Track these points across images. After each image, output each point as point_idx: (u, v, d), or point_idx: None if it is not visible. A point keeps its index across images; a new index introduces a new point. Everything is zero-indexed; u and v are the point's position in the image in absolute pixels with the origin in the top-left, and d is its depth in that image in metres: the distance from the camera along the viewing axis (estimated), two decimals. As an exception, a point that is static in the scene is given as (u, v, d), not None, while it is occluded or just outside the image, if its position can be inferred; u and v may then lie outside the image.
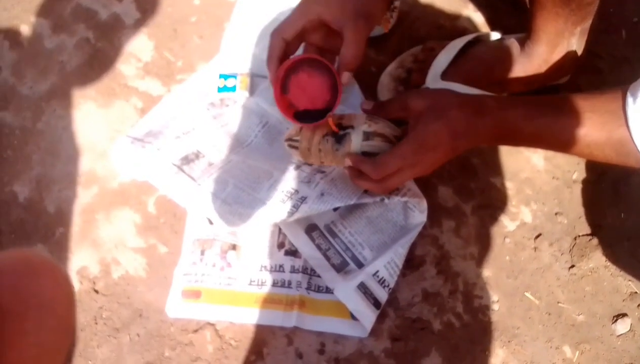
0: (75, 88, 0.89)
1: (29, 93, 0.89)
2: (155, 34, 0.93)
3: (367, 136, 0.65)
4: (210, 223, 0.74)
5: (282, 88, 0.62)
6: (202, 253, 0.75)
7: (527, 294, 0.77)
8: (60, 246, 0.80)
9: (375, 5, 0.62)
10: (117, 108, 0.87)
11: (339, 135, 0.66)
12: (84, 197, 0.82)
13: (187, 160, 0.76)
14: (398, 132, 0.67)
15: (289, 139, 0.70)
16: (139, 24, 0.94)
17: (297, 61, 0.61)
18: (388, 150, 0.64)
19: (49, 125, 0.86)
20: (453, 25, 0.95)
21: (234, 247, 0.75)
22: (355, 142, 0.65)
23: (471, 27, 0.95)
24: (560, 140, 0.61)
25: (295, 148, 0.69)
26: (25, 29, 0.94)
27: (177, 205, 0.78)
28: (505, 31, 0.88)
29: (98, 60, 0.91)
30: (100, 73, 0.90)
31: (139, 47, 0.92)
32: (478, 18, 0.96)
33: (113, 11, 0.95)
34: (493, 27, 0.94)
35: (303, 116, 0.63)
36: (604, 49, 0.92)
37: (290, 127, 0.72)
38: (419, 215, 0.75)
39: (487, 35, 0.87)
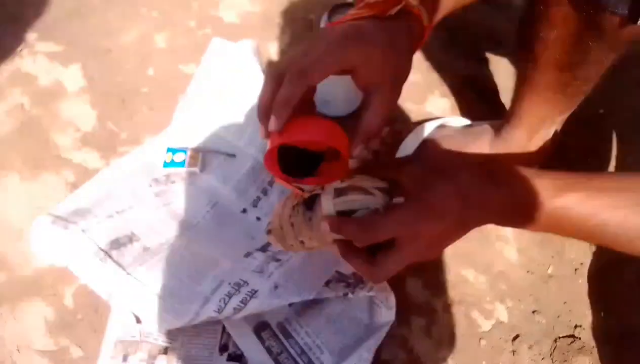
0: (-1, 158, 0.78)
1: (-58, 163, 0.78)
2: (100, 103, 0.85)
3: (340, 192, 0.50)
4: (138, 321, 0.61)
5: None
6: (125, 359, 0.61)
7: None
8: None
9: (409, 69, 0.50)
10: (44, 182, 0.77)
11: (308, 200, 0.53)
12: (-12, 285, 0.69)
13: (117, 243, 0.65)
14: (382, 184, 0.51)
15: (267, 227, 0.59)
16: (83, 92, 0.86)
17: (301, 138, 0.47)
18: (373, 206, 0.49)
19: (-42, 200, 0.74)
20: (419, 109, 0.92)
21: (165, 351, 0.63)
22: (326, 201, 0.50)
23: (437, 112, 0.92)
24: (593, 223, 0.45)
25: (270, 233, 0.58)
26: (-50, 92, 0.84)
27: (100, 299, 0.65)
28: (471, 119, 0.85)
29: (29, 128, 0.81)
30: (31, 142, 0.80)
31: (80, 116, 0.84)
32: (444, 104, 0.93)
33: (55, 77, 0.87)
34: (459, 114, 0.92)
35: (287, 160, 0.50)
36: (572, 139, 0.90)
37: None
38: (386, 312, 0.66)
39: (456, 121, 0.84)
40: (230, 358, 0.64)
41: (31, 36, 0.91)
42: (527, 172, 0.47)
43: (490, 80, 0.97)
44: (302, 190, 0.53)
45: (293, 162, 0.50)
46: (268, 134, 0.46)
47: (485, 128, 0.78)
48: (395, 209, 0.47)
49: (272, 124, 0.44)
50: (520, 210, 0.47)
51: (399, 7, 0.46)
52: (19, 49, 0.89)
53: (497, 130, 0.76)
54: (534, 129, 0.73)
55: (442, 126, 0.82)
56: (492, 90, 0.96)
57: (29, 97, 0.84)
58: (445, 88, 0.95)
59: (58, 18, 0.93)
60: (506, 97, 0.94)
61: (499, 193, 0.47)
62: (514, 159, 0.76)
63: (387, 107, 0.47)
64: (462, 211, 0.46)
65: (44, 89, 0.85)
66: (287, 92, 0.44)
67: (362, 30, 0.46)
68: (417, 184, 0.47)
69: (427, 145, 0.78)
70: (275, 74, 0.45)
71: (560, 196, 0.45)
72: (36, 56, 0.89)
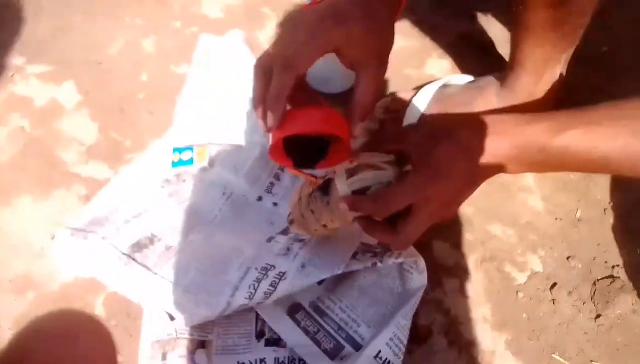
0: (7, 182, 0.77)
1: (-48, 194, 0.77)
2: (100, 114, 0.85)
3: (352, 172, 0.52)
4: (171, 318, 0.60)
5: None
6: (164, 357, 0.61)
7: (555, 355, 0.65)
8: (-12, 373, 0.64)
9: (393, 39, 0.50)
10: (56, 199, 0.76)
11: (323, 185, 0.54)
12: (17, 307, 0.68)
13: (139, 246, 0.64)
14: (389, 158, 0.52)
15: (288, 218, 0.60)
16: (80, 106, 0.85)
17: (303, 129, 0.48)
18: (386, 180, 0.51)
19: (-25, 227, 0.74)
20: (419, 74, 0.90)
21: (202, 344, 0.62)
22: (340, 183, 0.52)
23: (438, 74, 0.90)
24: (595, 155, 0.47)
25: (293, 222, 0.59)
26: (-51, 125, 0.84)
27: (130, 303, 0.65)
28: (473, 76, 0.84)
29: (34, 149, 0.80)
30: (37, 162, 0.79)
31: (82, 130, 0.83)
32: (444, 65, 0.92)
33: (50, 96, 0.86)
34: (460, 73, 0.90)
35: (295, 151, 0.51)
36: (578, 80, 0.88)
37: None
38: (418, 276, 0.65)
39: (459, 78, 0.82)
40: (267, 343, 0.63)
41: (19, 60, 0.90)
42: (524, 118, 0.48)
43: (485, 34, 0.95)
44: (315, 176, 0.55)
45: (301, 150, 0.51)
46: (268, 128, 0.47)
47: (490, 80, 0.77)
48: (404, 178, 0.48)
49: (270, 120, 0.45)
50: (524, 155, 0.48)
51: None
52: (10, 74, 0.89)
53: (502, 81, 0.75)
54: (538, 72, 0.71)
55: (445, 85, 0.80)
56: (489, 44, 0.94)
57: (28, 119, 0.83)
58: (442, 50, 0.93)
59: (43, 39, 0.92)
60: (504, 49, 0.92)
61: (501, 142, 0.48)
62: (523, 108, 0.74)
63: (375, 81, 0.48)
64: (467, 166, 0.48)
65: (41, 109, 0.85)
66: (277, 86, 0.44)
67: (339, 9, 0.45)
68: (420, 150, 0.48)
69: (426, 117, 0.76)
70: (263, 68, 0.46)
71: (559, 135, 0.46)
72: (28, 79, 0.88)
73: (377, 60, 0.48)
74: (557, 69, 0.72)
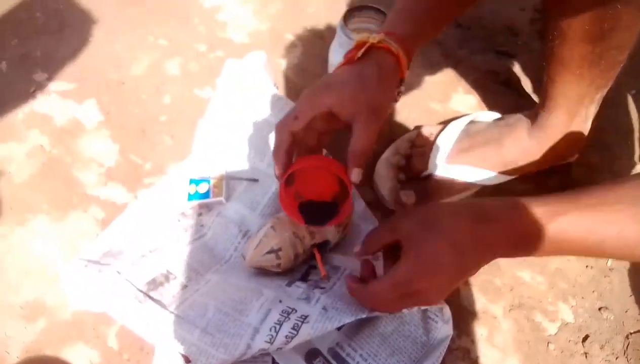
0: (24, 202, 0.76)
1: (-33, 212, 0.75)
2: (121, 136, 0.83)
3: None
4: (187, 361, 0.57)
5: (287, 182, 0.58)
6: (177, 400, 0.58)
7: None
8: (-7, 403, 0.62)
9: (386, 97, 0.57)
10: (73, 221, 0.74)
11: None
12: (27, 334, 0.66)
13: (154, 284, 0.62)
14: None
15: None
16: (101, 126, 0.84)
17: (306, 166, 0.57)
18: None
19: (-12, 248, 0.72)
20: (445, 109, 0.89)
21: (217, 389, 0.59)
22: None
23: (464, 109, 0.89)
24: (591, 241, 0.47)
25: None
26: (-32, 140, 0.82)
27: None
28: (500, 113, 0.82)
29: (52, 169, 0.79)
30: (55, 182, 0.78)
31: (102, 151, 0.81)
32: (470, 100, 0.90)
33: (72, 115, 0.85)
34: (486, 109, 0.88)
35: (308, 212, 0.58)
36: (608, 123, 0.86)
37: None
38: (443, 326, 0.62)
39: (486, 115, 0.80)
40: (285, 390, 0.60)
41: (41, 77, 0.89)
42: (518, 203, 0.48)
43: (512, 71, 0.94)
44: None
45: (313, 210, 0.59)
46: (277, 177, 0.56)
47: (520, 118, 0.75)
48: (390, 272, 0.50)
49: (275, 169, 0.55)
50: (519, 243, 0.48)
51: (363, 49, 0.54)
52: (31, 90, 0.88)
53: (533, 119, 0.73)
54: (572, 111, 0.69)
55: (472, 122, 0.78)
56: (516, 81, 0.92)
57: (48, 137, 0.82)
58: (468, 85, 0.92)
59: (65, 56, 0.92)
60: (531, 87, 0.91)
61: (494, 232, 0.48)
62: (554, 147, 0.72)
63: (367, 132, 0.53)
64: (457, 260, 0.48)
65: (61, 128, 0.83)
66: (277, 142, 0.55)
67: (332, 79, 0.55)
68: (411, 243, 0.49)
69: (460, 145, 0.74)
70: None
71: (554, 220, 0.46)
72: (49, 96, 0.87)
73: (368, 114, 0.53)
74: (591, 109, 0.70)
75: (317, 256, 0.64)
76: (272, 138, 0.78)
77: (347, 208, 0.60)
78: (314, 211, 0.60)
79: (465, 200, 0.52)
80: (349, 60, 0.55)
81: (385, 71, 0.55)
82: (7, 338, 0.65)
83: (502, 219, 0.48)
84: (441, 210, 0.50)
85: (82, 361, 0.64)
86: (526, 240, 0.48)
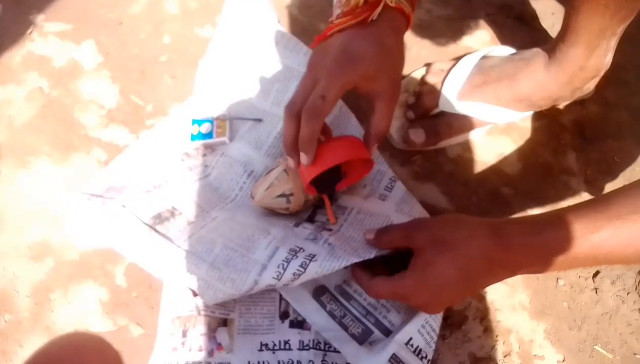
0: (25, 144, 0.75)
1: (-31, 155, 0.74)
2: (120, 77, 0.81)
3: None
4: (195, 295, 0.57)
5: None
6: (184, 334, 0.58)
7: (597, 347, 0.62)
8: (5, 337, 0.63)
9: (403, 65, 0.56)
10: (76, 163, 0.73)
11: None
12: (35, 274, 0.66)
13: (160, 218, 0.61)
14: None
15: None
16: (100, 68, 0.82)
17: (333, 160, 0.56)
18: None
19: (-8, 190, 0.71)
20: (456, 45, 0.85)
21: (224, 323, 0.59)
22: None
23: (476, 45, 0.85)
24: (630, 251, 0.45)
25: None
26: (-34, 83, 0.81)
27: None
28: (513, 47, 0.78)
29: (52, 111, 0.77)
30: (56, 125, 0.76)
31: (102, 92, 0.79)
32: (482, 36, 0.86)
33: (70, 56, 0.82)
34: (499, 44, 0.84)
35: (318, 180, 0.57)
36: (625, 58, 0.82)
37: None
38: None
39: (501, 50, 0.76)
40: (292, 325, 0.61)
41: (38, 18, 0.86)
42: (542, 227, 0.47)
43: (526, 5, 0.89)
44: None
45: (321, 178, 0.57)
46: (298, 165, 0.55)
47: (537, 51, 0.71)
48: (398, 278, 0.51)
49: (304, 159, 0.53)
50: (546, 263, 0.47)
51: (379, 9, 0.50)
52: (28, 32, 0.85)
53: (551, 52, 0.69)
54: (593, 44, 0.65)
55: (485, 57, 0.75)
56: (531, 15, 0.88)
57: (47, 79, 0.80)
58: (480, 20, 0.87)
59: (62, -6, 0.88)
60: (548, 21, 0.86)
61: (511, 257, 0.47)
62: (571, 82, 0.69)
63: (390, 108, 0.53)
64: (463, 284, 0.48)
65: (60, 70, 0.81)
66: (309, 131, 0.51)
67: (354, 50, 0.50)
68: (422, 260, 0.50)
69: (472, 81, 0.71)
70: (292, 114, 0.52)
71: (587, 239, 0.45)
72: (47, 37, 0.84)
73: (392, 90, 0.53)
74: (611, 42, 0.66)
75: (327, 203, 0.62)
76: (276, 79, 0.75)
77: (364, 173, 0.63)
78: (324, 178, 0.58)
79: (486, 220, 0.51)
80: (363, 21, 0.51)
81: (401, 37, 0.54)
82: (15, 277, 0.66)
83: (525, 246, 0.47)
84: (458, 230, 0.49)
85: (91, 299, 0.64)
86: (555, 260, 0.46)
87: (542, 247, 0.46)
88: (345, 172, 0.63)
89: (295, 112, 0.51)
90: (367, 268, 0.56)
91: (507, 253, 0.47)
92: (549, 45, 0.70)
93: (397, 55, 0.53)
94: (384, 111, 0.53)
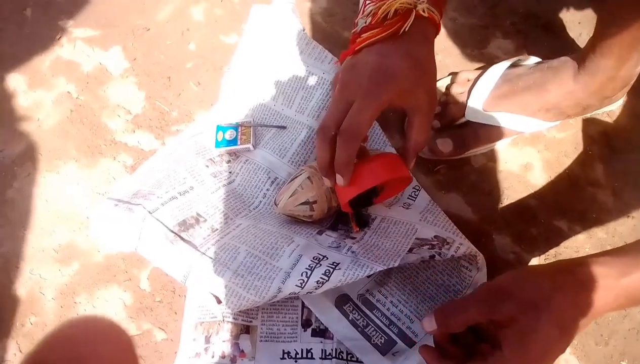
0: (53, 148, 0.76)
1: (-1, 158, 0.76)
2: (147, 83, 0.82)
3: None
4: (218, 302, 0.58)
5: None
6: (207, 340, 0.58)
7: (624, 363, 0.60)
8: (31, 340, 0.64)
9: (436, 77, 0.54)
10: (103, 168, 0.74)
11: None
12: (61, 277, 0.67)
13: (185, 225, 0.61)
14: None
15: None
16: (127, 73, 0.83)
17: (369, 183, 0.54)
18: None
19: (20, 193, 0.73)
20: (481, 54, 0.84)
21: (247, 330, 0.59)
22: None
23: (501, 55, 0.84)
24: None
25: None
26: (-3, 87, 0.82)
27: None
28: (539, 56, 0.77)
29: (80, 116, 0.78)
30: (83, 129, 0.77)
31: (128, 98, 0.80)
32: (507, 45, 0.85)
33: (98, 62, 0.84)
34: (526, 54, 0.84)
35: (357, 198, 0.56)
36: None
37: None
38: (477, 274, 0.61)
39: (528, 59, 0.76)
40: (314, 334, 0.61)
41: (67, 23, 0.88)
42: (630, 262, 0.45)
43: (554, 13, 0.88)
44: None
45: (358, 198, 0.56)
46: (335, 185, 0.53)
47: (565, 60, 0.70)
48: (498, 359, 0.45)
49: (341, 181, 0.52)
50: (620, 303, 0.45)
51: (410, 20, 0.48)
52: (57, 37, 0.87)
53: (580, 61, 0.68)
54: (624, 56, 0.64)
55: (512, 66, 0.74)
56: (557, 24, 0.87)
57: (75, 84, 0.81)
58: (506, 28, 0.87)
59: (90, 2, 0.90)
60: (574, 31, 0.85)
61: (598, 301, 0.44)
62: (600, 92, 0.68)
63: (428, 120, 0.52)
64: (563, 340, 0.45)
65: (88, 75, 0.83)
66: (347, 155, 0.49)
67: (387, 67, 0.48)
68: (515, 330, 0.44)
69: (499, 90, 0.70)
70: (326, 136, 0.50)
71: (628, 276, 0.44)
72: (75, 43, 0.86)
73: (428, 104, 0.50)
74: None
75: (350, 211, 0.62)
76: (300, 86, 0.75)
77: (401, 188, 0.63)
78: (360, 196, 0.57)
79: (557, 264, 0.49)
80: (394, 33, 0.49)
81: (432, 47, 0.52)
82: (41, 279, 0.67)
83: (613, 289, 0.45)
84: (540, 287, 0.45)
85: (115, 302, 0.65)
86: (629, 301, 0.45)
87: (628, 288, 0.44)
88: (381, 188, 0.62)
89: (330, 135, 0.50)
90: (436, 352, 0.49)
91: (596, 296, 0.44)
92: (579, 54, 0.69)
93: (431, 66, 0.51)
94: (423, 125, 0.51)
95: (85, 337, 0.35)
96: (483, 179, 0.72)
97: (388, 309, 0.61)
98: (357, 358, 0.59)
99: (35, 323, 0.65)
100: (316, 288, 0.55)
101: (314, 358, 0.59)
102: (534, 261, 0.66)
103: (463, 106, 0.71)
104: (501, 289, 0.47)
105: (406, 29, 0.49)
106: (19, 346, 0.63)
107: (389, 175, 0.54)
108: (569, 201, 0.70)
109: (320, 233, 0.63)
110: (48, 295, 0.66)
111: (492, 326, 0.48)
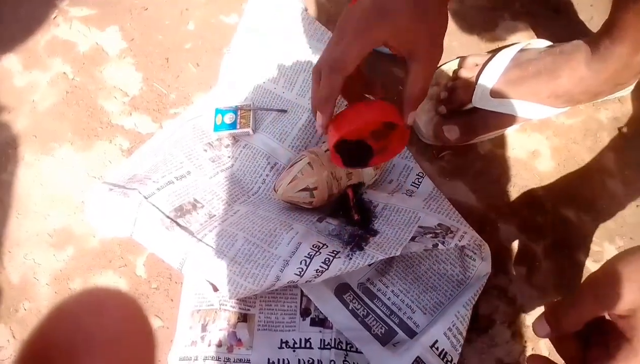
0: (48, 130, 0.74)
1: (-7, 140, 0.74)
2: (144, 64, 0.80)
3: None
4: (215, 289, 0.56)
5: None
6: (204, 328, 0.57)
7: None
8: (25, 326, 0.63)
9: (446, 21, 0.48)
10: (99, 150, 0.72)
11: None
12: (56, 262, 0.66)
13: (182, 211, 0.60)
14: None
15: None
16: (124, 54, 0.80)
17: (357, 124, 0.49)
18: None
19: (14, 176, 0.71)
20: (490, 37, 0.81)
21: (244, 318, 0.58)
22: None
23: (511, 37, 0.81)
24: None
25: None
26: (-8, 67, 0.80)
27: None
28: (549, 40, 0.74)
29: (76, 97, 0.76)
30: (79, 111, 0.75)
31: (125, 79, 0.78)
32: (516, 28, 0.82)
33: (94, 42, 0.81)
34: (536, 37, 0.81)
35: (344, 152, 0.54)
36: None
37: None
38: (481, 264, 0.59)
39: (539, 43, 0.73)
40: (313, 323, 0.59)
41: (62, 2, 0.85)
42: None
43: (565, -5, 0.85)
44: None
45: (350, 152, 0.54)
46: (324, 126, 0.49)
47: (578, 45, 0.67)
48: (624, 354, 0.40)
49: (319, 121, 0.48)
50: None
51: None
52: (52, 16, 0.84)
53: (594, 46, 0.65)
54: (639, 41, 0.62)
55: (523, 50, 0.72)
56: (568, 7, 0.84)
57: (71, 65, 0.79)
58: (515, 10, 0.84)
59: (87, -21, 0.87)
60: (586, 13, 0.82)
61: None
62: (613, 79, 0.65)
63: (426, 69, 0.47)
64: None
65: (84, 55, 0.80)
66: (325, 89, 0.46)
67: (383, 5, 0.44)
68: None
69: (509, 75, 0.68)
70: (315, 72, 0.47)
71: None
72: (71, 22, 0.84)
73: (428, 48, 0.46)
74: None
75: (351, 197, 0.60)
76: (302, 69, 0.73)
77: (399, 148, 0.55)
78: (350, 152, 0.55)
79: None
80: None
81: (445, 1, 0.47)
82: (35, 264, 0.66)
83: None
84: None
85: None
86: None
87: None
88: (378, 150, 0.57)
89: (318, 70, 0.48)
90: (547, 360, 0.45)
91: None
92: (592, 38, 0.66)
93: (438, 13, 0.46)
94: (419, 73, 0.47)
95: (88, 310, 0.35)
96: (489, 166, 0.70)
97: (389, 298, 0.59)
98: (357, 348, 0.57)
99: (29, 309, 0.64)
100: (315, 277, 0.53)
101: (312, 348, 0.57)
102: (539, 250, 0.64)
103: (471, 92, 0.68)
104: (615, 276, 0.41)
105: None
106: (12, 332, 0.62)
107: (377, 116, 0.49)
108: (578, 189, 0.68)
109: (320, 220, 0.61)
110: (42, 280, 0.65)
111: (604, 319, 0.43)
